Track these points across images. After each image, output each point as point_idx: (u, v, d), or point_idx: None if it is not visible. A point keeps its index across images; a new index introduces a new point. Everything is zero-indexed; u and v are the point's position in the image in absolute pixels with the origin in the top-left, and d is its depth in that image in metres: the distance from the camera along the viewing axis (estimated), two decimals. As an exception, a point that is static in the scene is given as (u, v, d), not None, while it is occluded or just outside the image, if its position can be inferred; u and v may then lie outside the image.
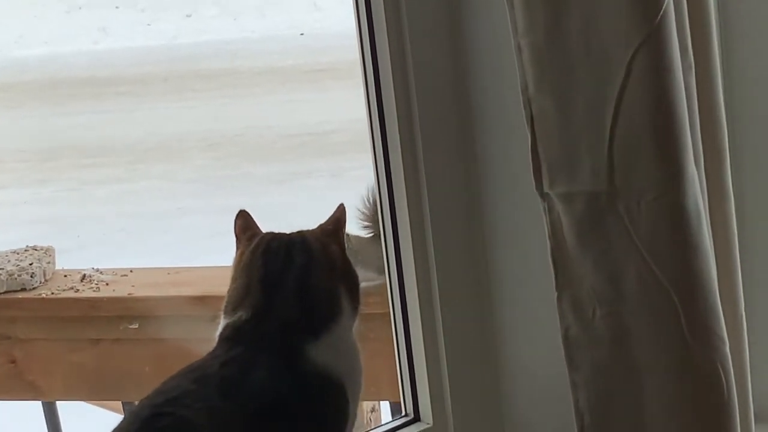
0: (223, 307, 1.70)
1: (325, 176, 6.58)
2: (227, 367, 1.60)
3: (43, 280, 2.60)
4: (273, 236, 1.71)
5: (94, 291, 2.56)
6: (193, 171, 6.86)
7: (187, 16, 10.01)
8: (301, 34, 9.66)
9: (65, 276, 2.65)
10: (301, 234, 1.72)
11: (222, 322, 1.69)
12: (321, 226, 1.73)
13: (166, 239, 5.61)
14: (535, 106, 1.66)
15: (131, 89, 8.42)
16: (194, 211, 6.08)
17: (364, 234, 2.63)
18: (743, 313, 1.76)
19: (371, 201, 2.20)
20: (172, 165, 6.90)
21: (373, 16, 1.90)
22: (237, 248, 1.73)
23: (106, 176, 6.72)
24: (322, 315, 1.66)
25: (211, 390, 1.57)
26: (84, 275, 2.61)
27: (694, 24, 1.65)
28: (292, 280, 1.66)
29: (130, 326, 2.49)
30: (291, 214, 5.76)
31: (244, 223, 1.73)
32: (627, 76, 1.59)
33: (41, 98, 8.23)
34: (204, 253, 5.34)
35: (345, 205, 1.75)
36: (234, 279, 1.70)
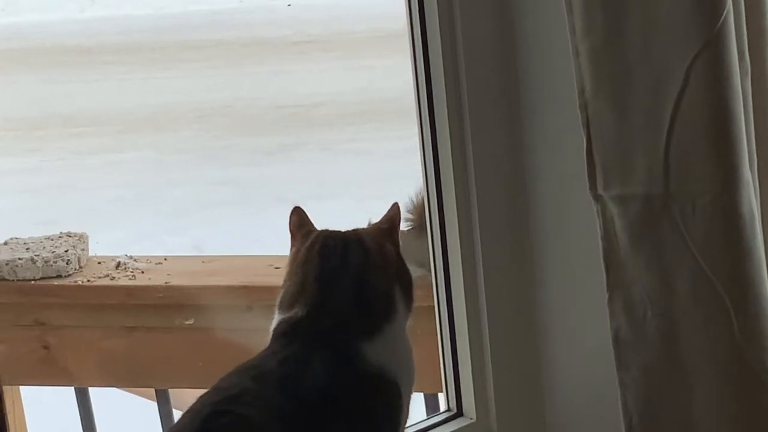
0: (277, 302, 1.70)
1: (315, 149, 6.55)
2: (285, 365, 1.60)
3: (78, 267, 2.59)
4: (329, 234, 1.71)
5: (130, 279, 2.55)
6: (183, 142, 6.81)
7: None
8: (289, 5, 9.53)
9: (99, 263, 2.64)
10: (356, 232, 1.72)
11: (276, 318, 1.69)
12: (376, 224, 1.73)
13: (157, 210, 5.57)
14: (591, 109, 1.67)
15: (118, 59, 8.36)
16: (184, 183, 6.06)
17: (404, 227, 2.63)
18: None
19: (415, 204, 2.19)
20: (161, 136, 6.85)
21: (427, 26, 1.90)
22: (292, 245, 1.73)
23: (95, 146, 6.69)
24: (377, 314, 1.66)
25: (270, 388, 1.57)
26: (119, 263, 2.60)
27: (751, 29, 1.65)
28: (348, 279, 1.66)
29: (186, 322, 2.49)
30: (281, 186, 5.75)
31: (299, 219, 1.73)
32: (686, 82, 1.60)
33: (28, 66, 8.19)
34: (195, 226, 5.33)
35: (399, 204, 1.76)
36: (289, 275, 1.70)
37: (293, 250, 1.72)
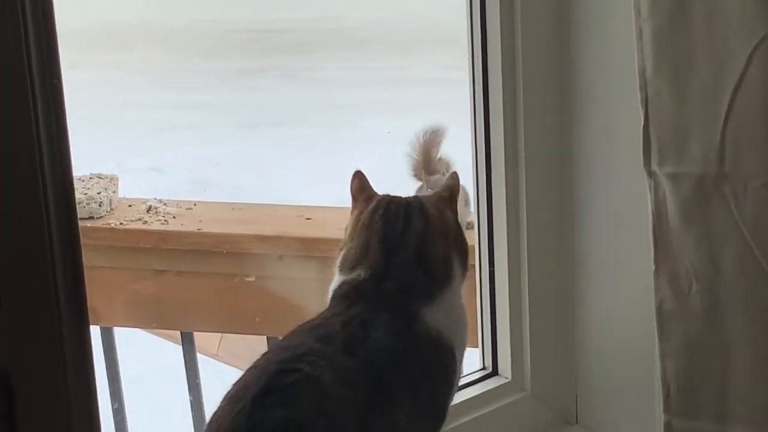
0: (337, 263, 1.72)
1: (276, 76, 6.48)
2: (349, 326, 1.62)
3: (109, 209, 2.60)
4: (391, 199, 1.73)
5: (162, 224, 2.56)
6: (141, 63, 6.71)
7: None
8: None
9: (129, 206, 2.65)
10: (418, 199, 1.74)
11: (337, 279, 1.71)
12: (437, 192, 1.75)
13: (116, 130, 5.52)
14: (651, 88, 1.68)
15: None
16: (142, 105, 5.98)
17: (408, 163, 2.60)
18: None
19: (421, 144, 2.17)
20: (121, 55, 6.71)
21: (487, 8, 1.90)
22: (353, 208, 1.75)
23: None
24: (437, 279, 1.68)
25: (334, 348, 1.59)
26: (150, 206, 2.62)
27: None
28: (410, 244, 1.68)
29: (248, 278, 2.50)
30: (242, 114, 5.71)
31: (360, 183, 1.75)
32: (746, 68, 1.60)
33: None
34: (154, 148, 5.26)
35: (458, 174, 1.78)
36: (351, 238, 1.72)
37: (355, 212, 1.74)
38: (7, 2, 1.29)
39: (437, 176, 2.37)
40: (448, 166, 2.02)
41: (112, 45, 6.74)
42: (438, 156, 1.97)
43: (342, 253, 1.72)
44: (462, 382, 1.93)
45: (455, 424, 1.80)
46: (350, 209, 1.77)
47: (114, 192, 2.66)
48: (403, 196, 1.75)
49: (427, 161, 2.18)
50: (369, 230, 1.69)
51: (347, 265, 1.70)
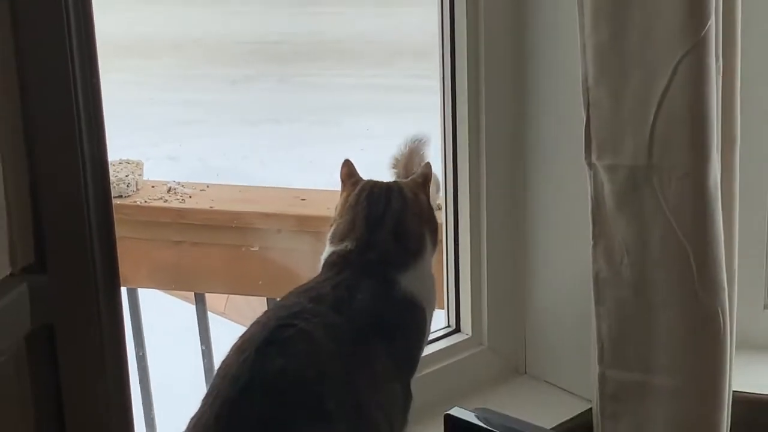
0: (328, 236, 1.71)
1: (273, 80, 6.46)
2: (337, 289, 1.62)
3: (135, 190, 2.59)
4: (374, 183, 1.72)
5: (180, 202, 2.55)
6: (161, 69, 6.65)
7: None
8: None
9: (153, 187, 2.64)
10: (397, 183, 1.74)
11: (328, 249, 1.70)
12: (412, 179, 1.75)
13: (139, 124, 5.48)
14: (592, 94, 1.68)
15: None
16: (161, 103, 5.92)
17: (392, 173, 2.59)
18: (736, 268, 1.79)
19: (408, 150, 2.16)
20: (144, 61, 6.64)
21: (455, 26, 1.89)
22: (342, 190, 1.74)
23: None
24: (411, 251, 1.68)
25: (325, 308, 1.59)
26: (169, 188, 2.60)
27: (726, 36, 1.66)
28: (390, 221, 1.68)
29: (252, 248, 2.49)
30: (245, 112, 5.70)
31: (348, 170, 1.74)
32: (672, 77, 1.61)
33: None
34: (171, 140, 5.25)
35: (431, 164, 1.77)
36: (340, 215, 1.71)
37: (344, 194, 1.73)
38: (54, 17, 1.28)
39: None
40: (430, 164, 2.01)
41: (138, 53, 6.70)
42: (421, 162, 1.95)
43: (332, 228, 1.72)
44: (431, 337, 1.93)
45: (425, 372, 1.79)
46: (339, 192, 1.75)
47: (139, 175, 2.65)
48: (384, 181, 1.74)
49: (410, 165, 2.15)
50: (355, 209, 1.69)
51: (336, 238, 1.69)
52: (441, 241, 1.96)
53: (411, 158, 2.06)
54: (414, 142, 2.07)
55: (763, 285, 1.98)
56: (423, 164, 1.77)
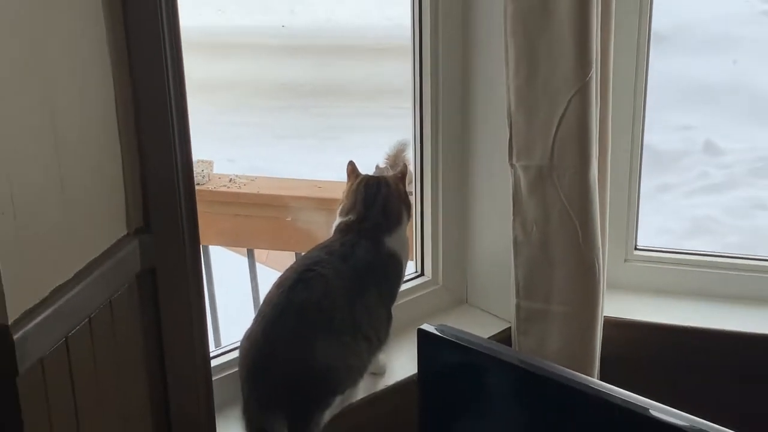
0: (338, 212, 1.70)
1: (297, 109, 5.92)
2: (344, 246, 1.62)
3: (208, 179, 2.57)
4: (369, 177, 1.71)
5: (237, 188, 2.53)
6: (221, 99, 6.01)
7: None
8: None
9: (219, 178, 2.61)
10: (384, 177, 1.73)
11: (337, 220, 1.69)
12: (394, 174, 1.74)
13: (211, 137, 5.29)
14: (513, 118, 1.67)
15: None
16: (223, 124, 5.39)
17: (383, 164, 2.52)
18: (607, 234, 1.78)
19: (393, 152, 2.12)
20: (207, 96, 6.24)
21: (423, 76, 1.85)
22: (348, 182, 1.72)
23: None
24: (393, 222, 1.68)
25: (335, 258, 1.60)
26: (230, 179, 2.59)
27: (602, 79, 1.66)
28: (380, 202, 1.67)
29: (287, 219, 2.48)
30: (278, 130, 5.48)
31: (352, 168, 1.73)
32: (567, 107, 1.60)
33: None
34: (229, 148, 5.04)
35: (407, 165, 1.77)
36: (347, 198, 1.70)
37: (348, 184, 1.72)
38: (156, 62, 1.27)
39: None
40: (407, 164, 1.98)
41: (203, 90, 6.55)
42: (403, 158, 1.94)
43: (340, 206, 1.71)
44: (405, 279, 1.91)
45: (401, 302, 1.77)
46: (344, 182, 1.74)
47: (210, 170, 2.62)
48: (375, 175, 1.74)
49: (397, 159, 2.13)
50: (356, 194, 1.68)
51: (343, 213, 1.69)
52: (413, 215, 1.95)
53: (398, 155, 2.05)
54: (400, 144, 2.06)
55: (624, 246, 1.98)
56: (402, 165, 1.77)
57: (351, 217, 1.66)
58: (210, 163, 2.65)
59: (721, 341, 1.79)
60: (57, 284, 1.15)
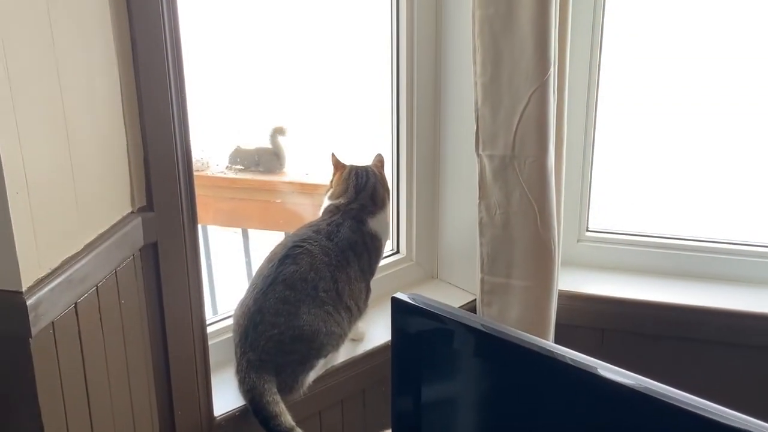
0: (326, 195, 1.70)
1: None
2: (330, 226, 1.61)
3: (207, 166, 2.50)
4: (359, 167, 1.71)
5: (233, 174, 2.49)
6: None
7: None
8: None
9: (217, 165, 2.56)
10: (370, 167, 1.72)
11: (326, 203, 1.68)
12: (374, 164, 1.73)
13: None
14: (480, 112, 1.66)
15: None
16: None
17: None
18: (563, 217, 1.78)
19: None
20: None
21: (400, 67, 1.84)
22: (335, 170, 1.72)
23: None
24: (378, 205, 1.67)
25: (321, 236, 1.59)
26: (227, 166, 2.55)
27: (559, 78, 1.66)
28: (369, 188, 1.67)
29: (277, 201, 2.44)
30: None
31: (335, 159, 1.73)
32: (527, 103, 1.60)
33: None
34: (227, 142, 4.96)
35: (383, 155, 1.76)
36: (337, 184, 1.70)
37: (338, 173, 1.71)
38: (158, 54, 1.25)
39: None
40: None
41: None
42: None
43: (329, 191, 1.70)
44: (383, 256, 1.91)
45: (379, 276, 1.77)
46: (326, 171, 1.74)
47: (210, 157, 2.57)
48: (362, 165, 1.73)
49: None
50: (348, 181, 1.68)
51: (334, 197, 1.68)
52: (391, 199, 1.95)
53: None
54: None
55: (577, 228, 1.98)
56: (377, 154, 1.76)
57: (341, 200, 1.66)
58: (205, 152, 2.60)
59: (663, 311, 1.80)
60: (67, 255, 1.14)
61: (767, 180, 1.95)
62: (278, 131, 2.40)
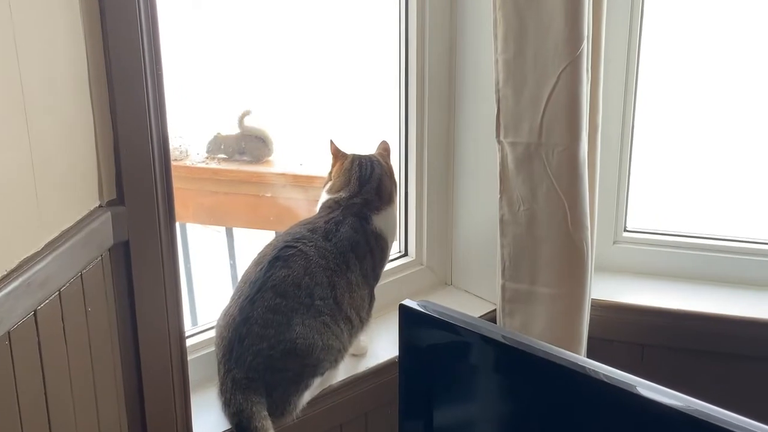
0: (325, 189, 1.70)
1: None
2: (328, 224, 1.62)
3: (186, 155, 2.49)
4: (362, 156, 1.71)
5: (216, 164, 2.49)
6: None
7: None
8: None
9: (198, 154, 2.56)
10: (375, 156, 1.72)
11: (324, 197, 1.69)
12: (379, 152, 1.73)
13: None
14: (501, 93, 1.66)
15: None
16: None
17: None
18: (596, 215, 1.78)
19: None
20: None
21: (409, 43, 1.85)
22: (335, 160, 1.72)
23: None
24: (385, 201, 1.68)
25: (318, 236, 1.59)
26: (208, 155, 2.56)
27: (593, 54, 1.66)
28: (375, 181, 1.67)
29: (266, 195, 2.44)
30: None
31: (334, 147, 1.73)
32: (557, 82, 1.60)
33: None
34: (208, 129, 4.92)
35: (388, 143, 1.76)
36: (337, 176, 1.70)
37: (338, 163, 1.71)
38: (132, 35, 1.25)
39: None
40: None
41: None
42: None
43: (329, 184, 1.71)
44: (390, 260, 1.91)
45: (385, 282, 1.78)
46: (322, 161, 1.74)
47: (190, 145, 2.57)
48: (365, 154, 1.73)
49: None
50: (350, 172, 1.68)
51: (333, 190, 1.68)
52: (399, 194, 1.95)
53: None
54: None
55: (613, 227, 1.98)
56: (381, 141, 1.76)
57: (342, 194, 1.66)
58: (185, 140, 2.60)
59: (711, 324, 1.80)
60: (25, 256, 1.14)
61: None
62: (245, 113, 2.42)
